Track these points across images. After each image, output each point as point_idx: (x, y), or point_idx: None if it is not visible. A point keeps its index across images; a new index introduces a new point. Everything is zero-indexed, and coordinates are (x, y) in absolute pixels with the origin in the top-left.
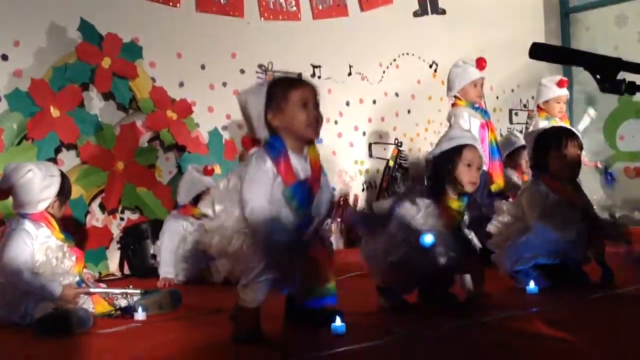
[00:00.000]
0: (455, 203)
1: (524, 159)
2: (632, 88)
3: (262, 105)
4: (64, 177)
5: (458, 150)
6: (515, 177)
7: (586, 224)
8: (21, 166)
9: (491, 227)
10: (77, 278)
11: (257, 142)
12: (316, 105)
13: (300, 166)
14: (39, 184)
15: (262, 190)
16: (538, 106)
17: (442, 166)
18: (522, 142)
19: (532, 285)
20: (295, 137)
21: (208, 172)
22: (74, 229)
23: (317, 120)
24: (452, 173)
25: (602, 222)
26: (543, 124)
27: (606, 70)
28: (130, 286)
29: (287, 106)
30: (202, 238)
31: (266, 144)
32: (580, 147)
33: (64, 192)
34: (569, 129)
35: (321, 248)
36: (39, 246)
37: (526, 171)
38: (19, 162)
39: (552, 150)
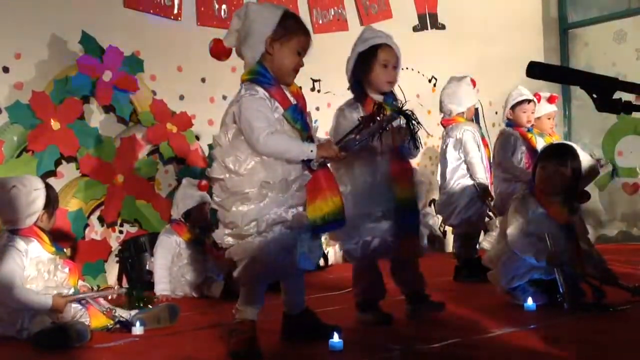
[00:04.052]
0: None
1: None
2: (628, 107)
3: (272, 28)
4: (48, 188)
5: (373, 51)
6: None
7: (571, 241)
8: (4, 183)
9: (485, 244)
10: (72, 290)
11: (229, 51)
12: (304, 55)
13: (287, 93)
14: (25, 199)
15: (267, 117)
16: None
17: (361, 69)
18: None
19: (530, 302)
20: (275, 71)
21: (202, 187)
22: (72, 242)
23: (299, 69)
24: (369, 75)
25: (585, 249)
26: (539, 140)
27: (603, 90)
28: (116, 287)
29: (289, 43)
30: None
31: (255, 73)
32: (569, 165)
33: (50, 203)
34: (566, 147)
35: (324, 170)
36: (29, 261)
37: None
38: (8, 176)
39: (538, 164)
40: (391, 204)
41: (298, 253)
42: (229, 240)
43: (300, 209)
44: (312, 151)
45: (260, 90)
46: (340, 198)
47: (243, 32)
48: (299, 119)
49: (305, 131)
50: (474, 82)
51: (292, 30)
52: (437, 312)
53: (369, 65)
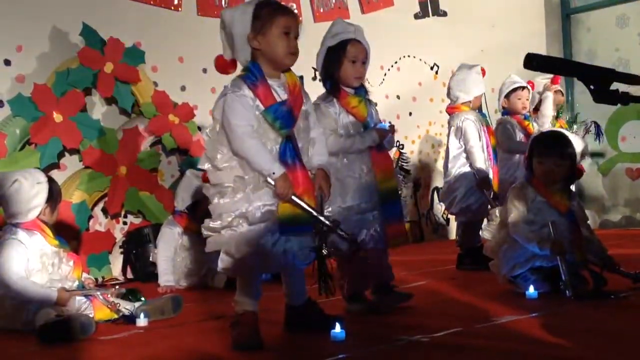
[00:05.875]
0: (354, 99)
1: None
2: (625, 98)
3: (248, 25)
4: (51, 182)
5: (342, 46)
6: None
7: (573, 228)
8: (7, 177)
9: (485, 234)
10: (77, 283)
11: (232, 63)
12: (296, 35)
13: (278, 89)
14: (27, 193)
15: (245, 116)
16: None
17: (330, 64)
18: None
19: (531, 290)
20: (272, 62)
21: (206, 179)
22: (76, 234)
23: (296, 50)
24: (338, 71)
25: (586, 235)
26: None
27: (600, 81)
28: (117, 287)
29: (271, 30)
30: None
31: (244, 70)
32: (568, 156)
33: (53, 197)
34: (560, 137)
35: (303, 171)
36: (33, 254)
37: None
38: (7, 170)
39: (535, 155)
40: (375, 195)
41: (289, 252)
42: (206, 232)
43: (274, 207)
44: (274, 173)
45: (245, 87)
46: (314, 201)
47: (229, 40)
48: (279, 117)
49: (285, 129)
50: (483, 72)
51: (268, 18)
52: (405, 302)
53: (338, 60)
